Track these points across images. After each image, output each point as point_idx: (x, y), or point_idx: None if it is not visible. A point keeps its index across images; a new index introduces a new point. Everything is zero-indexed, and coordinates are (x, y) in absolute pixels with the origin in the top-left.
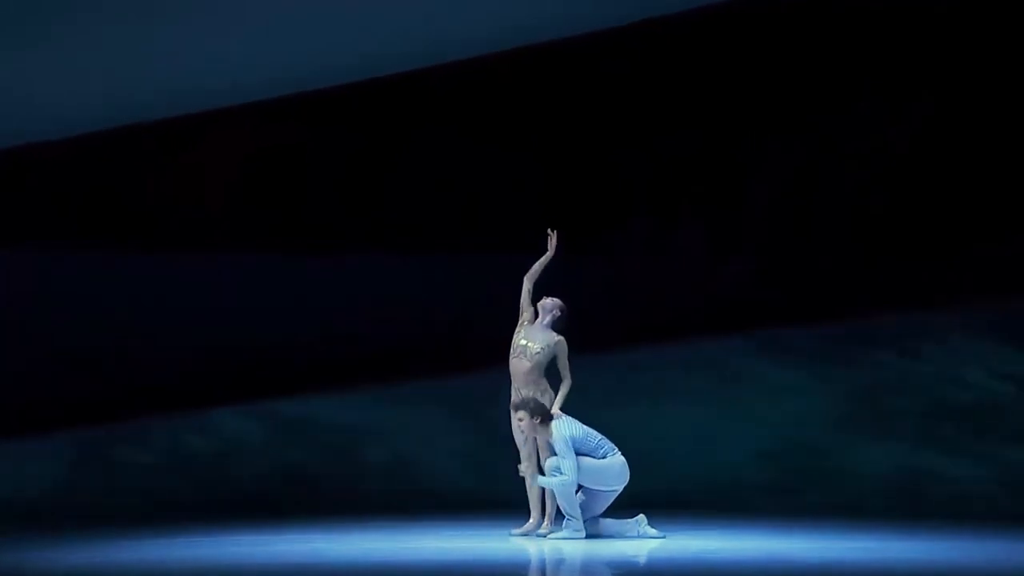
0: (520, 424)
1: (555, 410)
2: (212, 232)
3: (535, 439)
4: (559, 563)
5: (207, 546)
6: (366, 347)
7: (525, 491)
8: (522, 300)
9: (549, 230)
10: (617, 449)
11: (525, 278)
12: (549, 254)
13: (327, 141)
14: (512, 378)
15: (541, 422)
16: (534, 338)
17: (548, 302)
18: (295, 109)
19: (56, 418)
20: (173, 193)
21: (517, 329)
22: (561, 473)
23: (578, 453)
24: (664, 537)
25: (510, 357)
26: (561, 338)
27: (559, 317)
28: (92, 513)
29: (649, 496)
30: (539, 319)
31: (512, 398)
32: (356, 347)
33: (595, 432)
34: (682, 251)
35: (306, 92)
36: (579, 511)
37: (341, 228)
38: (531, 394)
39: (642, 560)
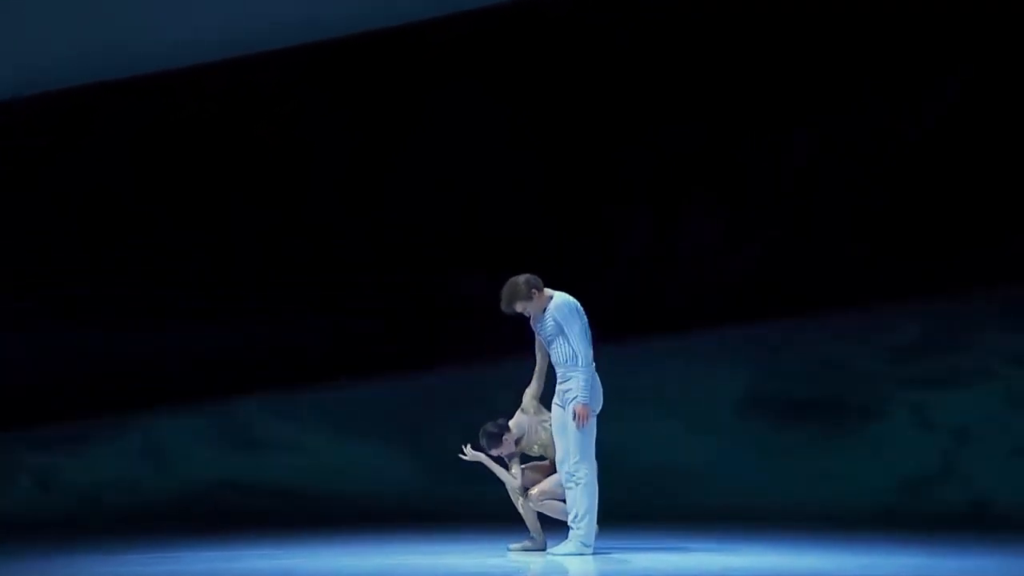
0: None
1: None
2: None
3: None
4: None
5: (163, 563)
6: None
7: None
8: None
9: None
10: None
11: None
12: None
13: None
14: None
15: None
16: (537, 436)
17: (508, 437)
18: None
19: None
20: None
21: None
22: (578, 478)
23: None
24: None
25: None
26: (524, 417)
27: (517, 436)
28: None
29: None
30: (518, 445)
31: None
32: None
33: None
34: (685, 247)
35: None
36: (595, 524)
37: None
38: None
39: None
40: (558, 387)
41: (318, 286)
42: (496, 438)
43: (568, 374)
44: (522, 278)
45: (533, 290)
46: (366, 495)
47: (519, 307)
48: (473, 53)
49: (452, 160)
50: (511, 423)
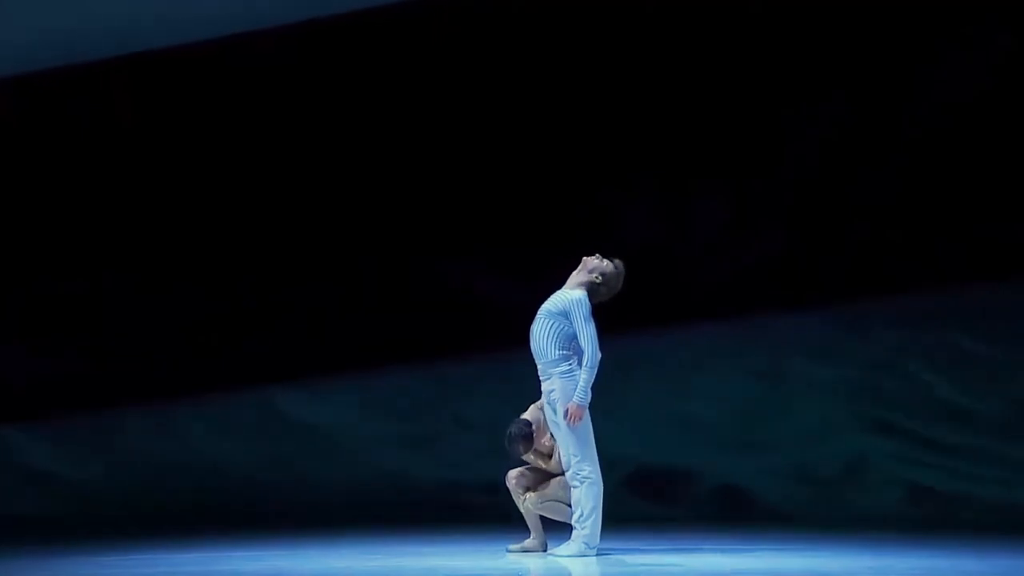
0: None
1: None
2: None
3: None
4: None
5: (144, 565)
6: None
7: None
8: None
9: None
10: None
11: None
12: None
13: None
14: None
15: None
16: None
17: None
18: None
19: None
20: None
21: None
22: (583, 476)
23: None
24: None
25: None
26: (540, 412)
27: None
28: None
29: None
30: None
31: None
32: None
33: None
34: (686, 244)
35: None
36: (600, 524)
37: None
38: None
39: None
40: (543, 385)
41: (317, 286)
42: (530, 437)
43: (548, 371)
44: (621, 270)
45: (601, 283)
46: (366, 495)
47: (597, 266)
48: (472, 49)
49: (452, 159)
50: (527, 416)
